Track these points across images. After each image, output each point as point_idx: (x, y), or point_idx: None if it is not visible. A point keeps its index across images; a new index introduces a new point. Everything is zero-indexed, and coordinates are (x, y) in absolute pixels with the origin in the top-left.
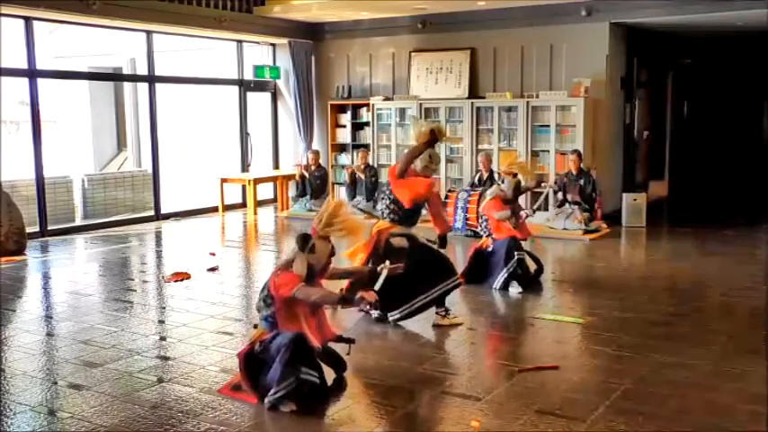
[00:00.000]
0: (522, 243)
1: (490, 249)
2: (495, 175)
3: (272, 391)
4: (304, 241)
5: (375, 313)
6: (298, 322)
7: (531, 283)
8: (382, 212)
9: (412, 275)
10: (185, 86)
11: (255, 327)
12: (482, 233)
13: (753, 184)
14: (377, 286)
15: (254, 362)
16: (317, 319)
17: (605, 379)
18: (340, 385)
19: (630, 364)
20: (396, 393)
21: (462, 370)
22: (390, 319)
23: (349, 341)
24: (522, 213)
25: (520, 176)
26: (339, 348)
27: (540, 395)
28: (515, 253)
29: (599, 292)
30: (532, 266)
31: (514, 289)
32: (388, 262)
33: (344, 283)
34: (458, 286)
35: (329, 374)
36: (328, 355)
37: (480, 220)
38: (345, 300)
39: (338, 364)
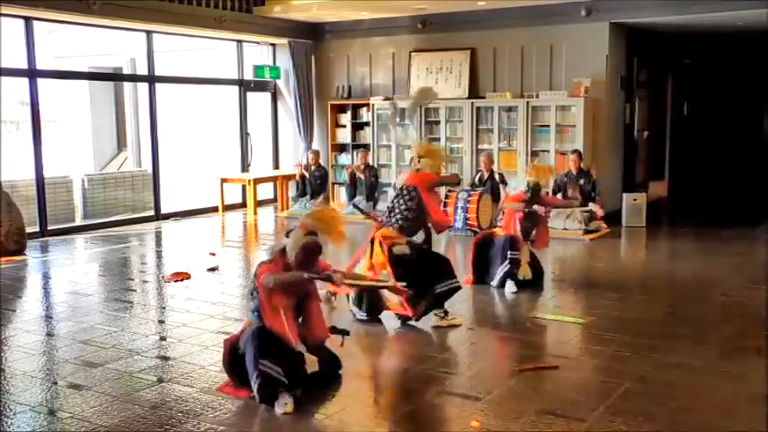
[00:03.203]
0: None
1: (493, 242)
2: (496, 176)
3: (251, 387)
4: (286, 233)
5: (360, 314)
6: (279, 315)
7: (529, 284)
8: (391, 219)
9: (423, 275)
10: (185, 86)
11: None
12: (498, 224)
13: (753, 184)
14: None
15: (237, 354)
16: (309, 317)
17: (605, 379)
18: (332, 382)
19: (630, 364)
20: (396, 393)
21: (462, 370)
22: (414, 319)
23: (343, 333)
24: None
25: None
26: (334, 344)
27: (540, 395)
28: (509, 253)
29: (599, 292)
30: (527, 274)
31: (509, 288)
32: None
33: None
34: (457, 289)
35: (315, 372)
36: (321, 351)
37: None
38: (313, 277)
39: (334, 362)
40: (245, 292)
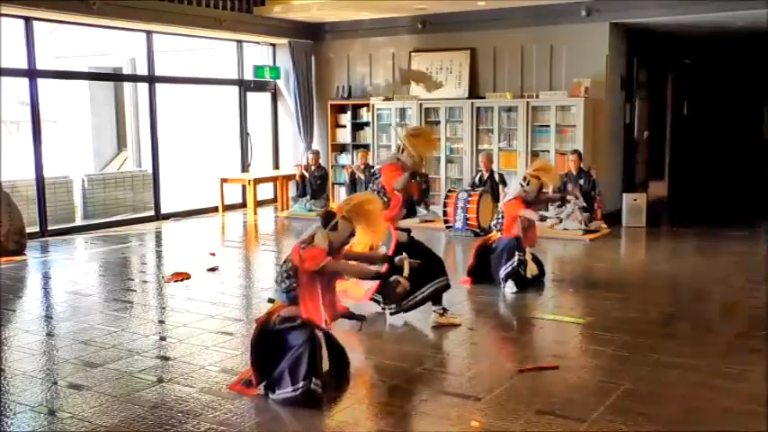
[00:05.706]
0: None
1: (494, 246)
2: (496, 176)
3: (279, 391)
4: (327, 219)
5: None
6: (316, 297)
7: (529, 284)
8: None
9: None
10: (185, 86)
11: (271, 301)
12: (494, 229)
13: (753, 184)
14: (405, 273)
15: (267, 341)
16: (330, 297)
17: (605, 379)
18: (341, 383)
19: (630, 364)
20: (396, 393)
21: (462, 370)
22: (388, 312)
23: (360, 318)
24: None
25: (544, 179)
26: (348, 335)
27: (540, 395)
28: (516, 253)
29: (599, 292)
30: (533, 270)
31: (509, 288)
32: (405, 254)
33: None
34: (446, 287)
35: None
36: (334, 349)
37: (497, 216)
38: (380, 276)
39: (341, 362)
40: (245, 292)
